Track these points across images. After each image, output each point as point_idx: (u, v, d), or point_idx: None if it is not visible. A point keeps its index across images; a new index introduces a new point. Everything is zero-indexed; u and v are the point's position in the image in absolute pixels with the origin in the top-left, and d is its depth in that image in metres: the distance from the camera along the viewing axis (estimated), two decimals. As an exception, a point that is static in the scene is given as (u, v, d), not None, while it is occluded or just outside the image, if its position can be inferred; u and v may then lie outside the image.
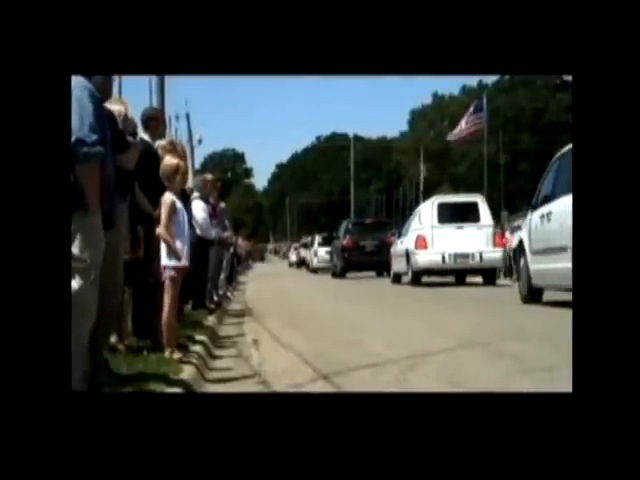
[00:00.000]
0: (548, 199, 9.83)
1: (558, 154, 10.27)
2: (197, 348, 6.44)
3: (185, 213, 5.88)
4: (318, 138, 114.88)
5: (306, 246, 46.21)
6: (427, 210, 17.62)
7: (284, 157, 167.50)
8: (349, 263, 24.58)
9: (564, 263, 8.30)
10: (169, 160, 5.84)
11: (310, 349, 6.71)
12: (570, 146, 9.59)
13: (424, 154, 61.41)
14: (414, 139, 78.20)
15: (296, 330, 8.61)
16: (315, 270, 34.77)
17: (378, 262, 22.90)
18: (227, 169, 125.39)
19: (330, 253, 29.25)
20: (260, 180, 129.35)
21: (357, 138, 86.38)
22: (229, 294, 16.08)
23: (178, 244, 5.66)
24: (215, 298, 12.22)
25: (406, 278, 18.02)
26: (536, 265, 10.10)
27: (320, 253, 34.27)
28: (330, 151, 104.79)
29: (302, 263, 45.95)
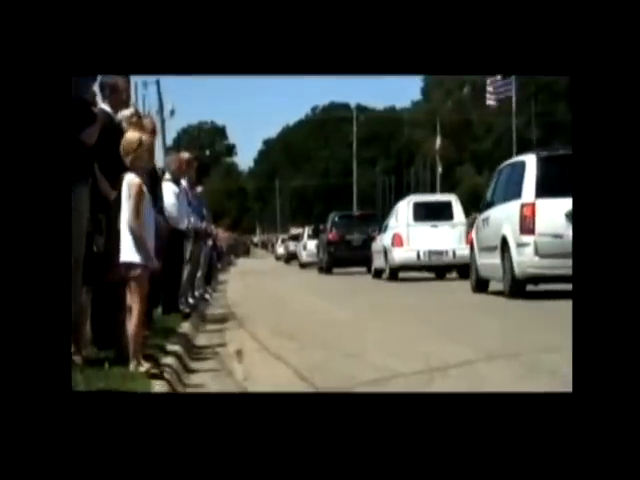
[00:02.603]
0: (488, 206, 14.26)
1: (499, 167, 14.86)
2: (169, 360, 6.45)
3: (150, 198, 5.85)
4: (314, 109, 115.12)
5: (296, 238, 47.00)
6: (403, 209, 21.72)
7: (273, 132, 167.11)
8: (335, 258, 27.82)
9: (495, 259, 13.13)
10: (130, 134, 5.82)
11: (304, 361, 6.73)
12: (509, 161, 14.52)
13: (441, 128, 61.49)
14: (429, 110, 78.24)
15: (287, 338, 8.63)
16: (304, 265, 37.09)
17: (366, 257, 25.15)
18: (205, 146, 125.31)
19: (317, 247, 31.71)
20: (244, 159, 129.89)
21: (360, 109, 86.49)
22: (207, 296, 16.10)
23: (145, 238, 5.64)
24: (191, 300, 12.23)
25: (385, 274, 21.96)
26: (481, 260, 14.34)
27: (309, 247, 36.39)
28: (328, 124, 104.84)
29: (292, 257, 47.31)
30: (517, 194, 12.62)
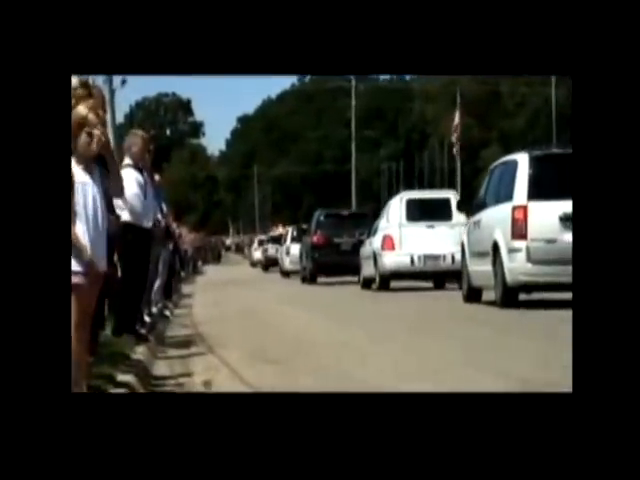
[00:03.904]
0: (480, 207, 15.91)
1: (492, 165, 16.79)
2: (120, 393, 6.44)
3: (96, 189, 5.81)
4: (301, 78, 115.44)
5: (277, 241, 47.37)
6: (395, 207, 23.13)
7: (250, 106, 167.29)
8: (319, 265, 29.18)
9: (487, 266, 14.63)
10: (75, 111, 5.80)
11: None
12: (502, 159, 16.21)
13: (462, 101, 61.66)
14: (446, 79, 78.43)
15: (269, 365, 8.62)
16: (287, 274, 38.41)
17: (356, 264, 26.15)
18: (165, 124, 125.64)
19: (300, 252, 32.73)
20: (214, 140, 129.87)
21: (360, 77, 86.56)
22: (168, 312, 16.09)
23: (81, 237, 5.62)
24: (147, 319, 12.19)
25: (375, 283, 23.23)
26: (472, 267, 15.95)
27: (294, 251, 36.94)
28: (320, 97, 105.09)
29: (272, 264, 48.13)
30: (509, 196, 14.28)
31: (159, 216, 11.79)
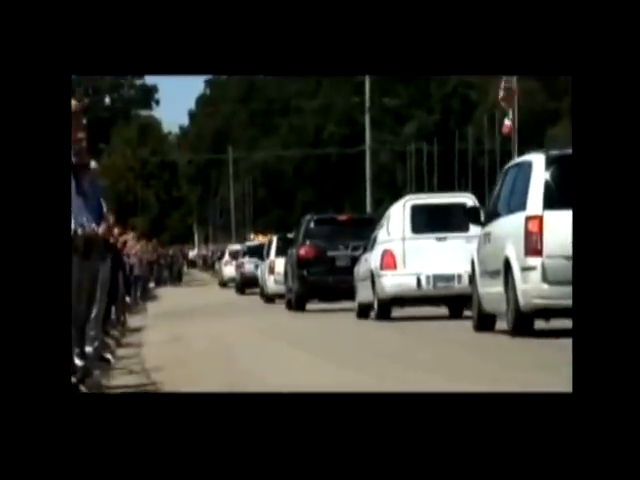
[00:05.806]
0: (490, 218, 18.06)
1: (505, 166, 19.68)
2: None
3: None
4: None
5: (258, 253, 47.63)
6: (397, 215, 24.55)
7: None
8: (309, 286, 30.52)
9: (499, 287, 16.45)
10: None
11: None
12: (515, 160, 19.48)
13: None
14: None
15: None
16: (271, 297, 40.13)
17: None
18: (102, 89, 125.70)
19: (285, 269, 34.01)
20: (173, 112, 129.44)
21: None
22: (107, 354, 16.08)
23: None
24: (78, 362, 12.18)
25: (373, 311, 24.99)
26: (483, 289, 17.79)
27: (280, 268, 37.69)
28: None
29: (249, 283, 50.17)
30: (522, 204, 16.08)
31: (84, 219, 11.76)
